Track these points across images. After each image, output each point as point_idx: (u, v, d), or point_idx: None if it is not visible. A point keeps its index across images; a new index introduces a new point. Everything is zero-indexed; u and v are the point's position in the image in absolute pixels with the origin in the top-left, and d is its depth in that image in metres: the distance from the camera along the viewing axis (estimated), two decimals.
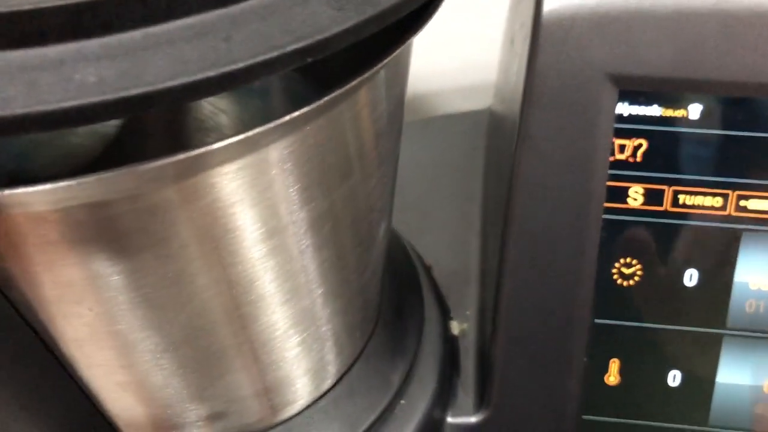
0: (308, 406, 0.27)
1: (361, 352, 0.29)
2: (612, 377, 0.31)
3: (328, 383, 0.27)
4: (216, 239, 0.20)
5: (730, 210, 0.29)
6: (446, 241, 0.40)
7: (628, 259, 0.29)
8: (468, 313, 0.36)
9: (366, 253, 0.25)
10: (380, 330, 0.30)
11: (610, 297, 0.30)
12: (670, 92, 0.28)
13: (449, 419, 0.31)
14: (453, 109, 0.50)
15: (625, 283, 0.30)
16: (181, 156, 0.17)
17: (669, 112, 0.28)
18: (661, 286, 0.30)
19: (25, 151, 0.31)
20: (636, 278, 0.30)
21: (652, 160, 0.29)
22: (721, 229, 0.29)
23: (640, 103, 0.28)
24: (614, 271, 0.30)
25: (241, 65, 0.14)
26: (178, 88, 0.14)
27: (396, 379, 0.29)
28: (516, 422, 0.31)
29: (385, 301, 0.31)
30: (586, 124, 0.28)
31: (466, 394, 0.32)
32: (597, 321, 0.30)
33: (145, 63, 0.14)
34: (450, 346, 0.33)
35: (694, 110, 0.28)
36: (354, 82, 0.18)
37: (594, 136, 0.28)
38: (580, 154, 0.28)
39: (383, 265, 0.28)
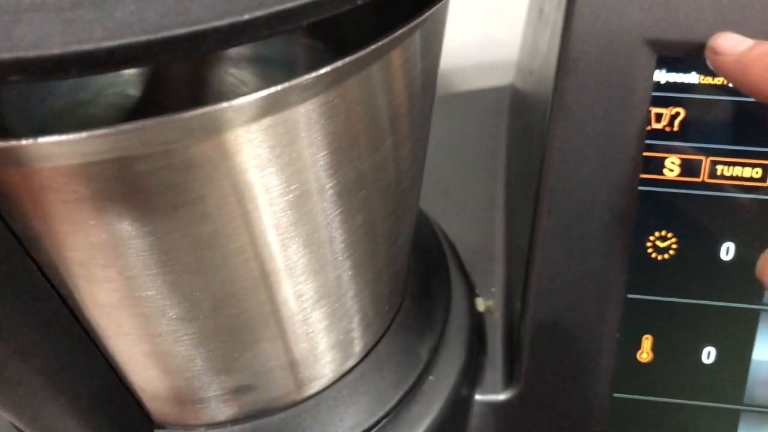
0: (336, 381, 0.26)
1: (389, 326, 0.28)
2: (645, 354, 0.30)
3: (355, 358, 0.27)
4: (245, 202, 0.19)
5: None
6: (469, 219, 0.39)
7: (664, 232, 0.29)
8: (493, 290, 0.35)
9: (396, 222, 0.24)
10: (408, 304, 0.29)
11: (644, 271, 0.29)
12: None
13: (477, 396, 0.31)
14: (474, 86, 0.49)
15: (659, 257, 0.29)
16: (205, 109, 0.16)
17: (708, 80, 0.27)
18: (696, 260, 0.29)
19: (44, 122, 0.31)
20: (671, 252, 0.29)
21: (690, 130, 0.28)
22: (761, 201, 0.28)
23: (678, 70, 0.27)
24: (649, 244, 0.29)
25: (290, 5, 0.13)
26: (225, 29, 0.13)
27: (424, 354, 0.28)
28: (545, 400, 0.30)
29: (413, 276, 0.30)
30: (623, 93, 0.27)
31: (493, 371, 0.32)
32: (630, 296, 0.29)
33: (190, 2, 0.13)
34: (477, 322, 0.33)
35: None
36: (384, 41, 0.17)
37: (630, 104, 0.27)
38: (616, 123, 0.28)
39: (412, 237, 0.27)
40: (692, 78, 0.27)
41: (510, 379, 0.31)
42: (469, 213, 0.39)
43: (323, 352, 0.25)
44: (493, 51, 0.49)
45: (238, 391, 0.24)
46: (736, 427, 0.30)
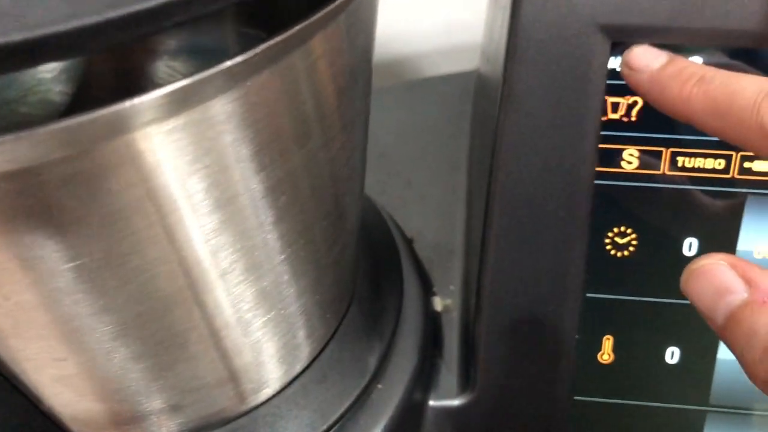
0: (276, 395, 0.25)
1: (334, 333, 0.26)
2: (606, 355, 0.29)
3: (297, 369, 0.25)
4: (163, 208, 0.18)
5: (733, 173, 0.26)
6: (430, 211, 0.37)
7: (623, 228, 0.27)
8: (452, 288, 0.34)
9: (333, 226, 0.23)
10: (355, 309, 0.27)
11: (603, 269, 0.28)
12: (668, 44, 0.25)
13: (431, 402, 0.29)
14: (438, 71, 0.47)
15: (619, 254, 0.27)
16: (108, 110, 0.14)
17: None
18: (658, 256, 0.27)
19: None
20: (631, 248, 0.27)
21: (649, 120, 0.26)
22: (724, 193, 0.26)
23: None
24: (607, 240, 0.27)
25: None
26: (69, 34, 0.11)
27: (372, 361, 0.27)
28: (503, 404, 0.29)
29: (361, 278, 0.28)
30: (576, 81, 0.26)
31: (449, 374, 0.30)
32: (589, 295, 0.28)
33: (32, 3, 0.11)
34: (432, 323, 0.31)
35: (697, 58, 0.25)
36: (300, 26, 0.15)
37: (584, 93, 0.26)
38: (570, 114, 0.26)
39: (356, 239, 0.26)
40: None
41: (466, 382, 0.29)
42: (430, 205, 0.37)
43: (260, 366, 0.24)
44: (458, 35, 0.47)
45: (168, 410, 0.23)
46: (701, 428, 0.29)
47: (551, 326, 0.28)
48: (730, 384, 0.28)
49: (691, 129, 0.26)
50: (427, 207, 0.37)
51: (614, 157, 0.26)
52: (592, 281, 0.28)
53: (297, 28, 0.15)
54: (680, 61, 0.22)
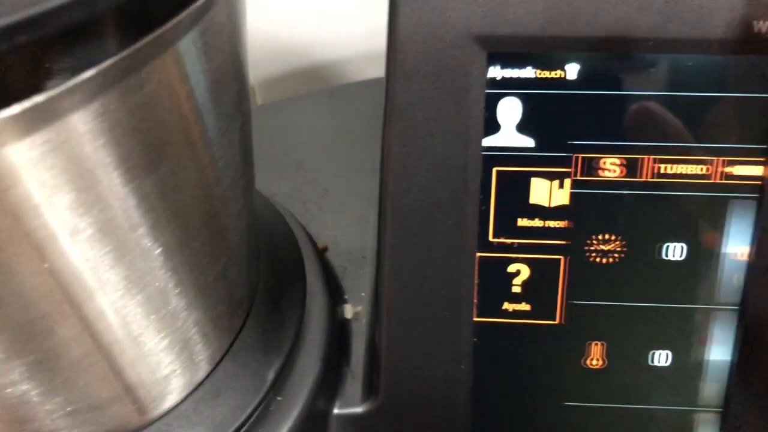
0: (167, 413, 0.25)
1: (229, 349, 0.27)
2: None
3: (189, 386, 0.25)
4: (24, 226, 0.17)
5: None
6: (346, 219, 0.38)
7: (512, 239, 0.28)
8: (363, 294, 0.34)
9: (211, 243, 0.23)
10: (252, 324, 0.28)
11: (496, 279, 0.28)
12: (542, 53, 0.25)
13: (336, 411, 0.30)
14: (363, 76, 0.47)
15: (510, 266, 0.28)
16: None
17: (545, 74, 0.26)
18: (542, 266, 0.28)
19: None
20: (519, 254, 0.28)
21: (532, 129, 0.26)
22: (618, 195, 0.27)
23: (513, 66, 0.26)
24: (496, 246, 0.28)
25: None
26: None
27: (270, 375, 0.27)
28: (407, 410, 0.29)
29: (260, 293, 0.29)
30: (456, 92, 0.26)
31: (355, 382, 0.31)
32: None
33: None
34: (338, 333, 0.32)
35: (572, 70, 0.26)
36: (126, 52, 0.15)
37: (465, 104, 0.26)
38: (452, 124, 0.26)
39: (246, 255, 0.26)
40: (528, 73, 0.26)
41: (370, 389, 0.30)
42: (346, 213, 0.38)
43: (150, 384, 0.24)
44: (381, 40, 0.47)
45: None
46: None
47: (449, 331, 0.29)
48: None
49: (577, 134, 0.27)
50: (343, 214, 0.38)
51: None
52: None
53: (126, 53, 0.16)
54: None
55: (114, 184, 0.18)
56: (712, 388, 0.29)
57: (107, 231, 0.19)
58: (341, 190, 0.39)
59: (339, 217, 0.38)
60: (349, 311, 0.33)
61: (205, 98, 0.20)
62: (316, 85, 0.49)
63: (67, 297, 0.19)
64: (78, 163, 0.17)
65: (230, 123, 0.22)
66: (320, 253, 0.34)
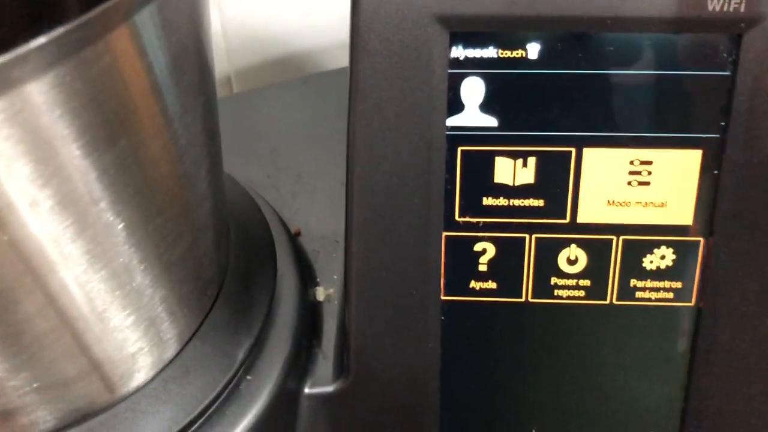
0: (136, 391, 0.25)
1: (198, 329, 0.27)
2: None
3: (158, 365, 0.26)
4: None
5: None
6: (319, 204, 0.38)
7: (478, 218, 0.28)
8: (335, 277, 0.34)
9: (175, 221, 0.23)
10: (221, 304, 0.28)
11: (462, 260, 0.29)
12: (504, 32, 0.26)
13: (306, 390, 0.30)
14: (338, 65, 0.47)
15: (476, 244, 0.28)
16: None
17: (507, 53, 0.26)
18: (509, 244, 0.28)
19: None
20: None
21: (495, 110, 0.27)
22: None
23: (475, 46, 0.26)
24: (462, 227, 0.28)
25: None
26: None
27: (240, 354, 0.27)
28: (376, 390, 0.30)
29: (230, 275, 0.29)
30: (420, 72, 0.26)
31: (326, 362, 0.31)
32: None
33: None
34: (310, 314, 0.32)
35: (533, 50, 0.26)
36: (78, 22, 0.16)
37: (429, 84, 0.26)
38: (417, 104, 0.27)
39: (214, 236, 0.26)
40: (490, 53, 0.26)
41: (340, 369, 0.30)
42: (319, 197, 0.38)
43: (118, 361, 0.24)
44: None
45: (21, 408, 0.23)
46: None
47: (417, 310, 0.29)
48: None
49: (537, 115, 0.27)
50: (316, 200, 0.38)
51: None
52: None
53: (79, 22, 0.16)
54: None
55: (73, 157, 0.18)
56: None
57: (68, 204, 0.19)
58: (315, 176, 0.39)
59: (312, 203, 0.38)
60: (321, 293, 0.34)
61: (164, 74, 0.20)
62: (291, 74, 0.49)
63: (29, 270, 0.19)
64: (35, 134, 0.17)
65: (192, 100, 0.22)
66: (293, 237, 0.35)
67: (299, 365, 0.30)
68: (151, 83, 0.20)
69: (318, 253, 0.35)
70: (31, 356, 0.22)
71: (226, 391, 0.27)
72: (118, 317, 0.23)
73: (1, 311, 0.20)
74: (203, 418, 0.26)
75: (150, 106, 0.20)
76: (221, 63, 0.50)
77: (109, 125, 0.19)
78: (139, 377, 0.25)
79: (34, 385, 0.22)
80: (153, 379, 0.26)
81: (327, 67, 0.49)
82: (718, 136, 0.27)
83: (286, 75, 0.49)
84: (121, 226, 0.21)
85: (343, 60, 0.50)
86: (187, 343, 0.26)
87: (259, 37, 0.49)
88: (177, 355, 0.26)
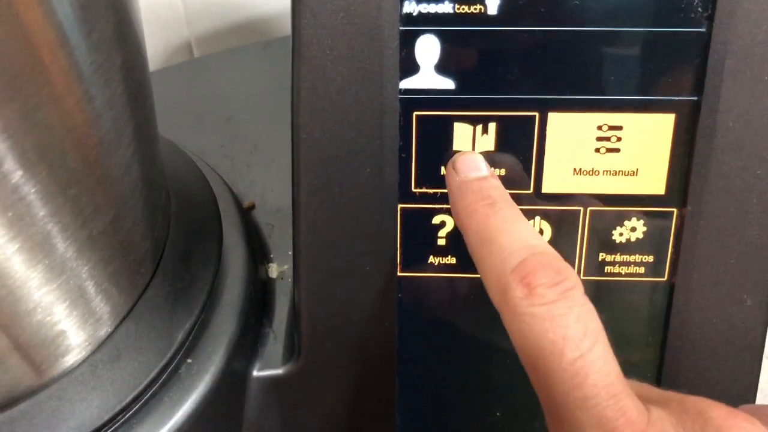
0: (61, 377, 0.23)
1: (131, 310, 0.25)
2: None
3: (86, 349, 0.24)
4: None
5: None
6: (275, 175, 0.36)
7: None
8: (290, 253, 0.32)
9: (93, 193, 0.21)
10: (158, 283, 0.26)
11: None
12: None
13: (255, 373, 0.28)
14: None
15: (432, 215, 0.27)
16: None
17: (464, 9, 0.24)
18: None
19: None
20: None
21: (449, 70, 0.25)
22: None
23: (429, 0, 0.24)
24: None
25: None
26: None
27: (178, 335, 0.25)
28: (329, 372, 0.28)
29: (168, 251, 0.27)
30: (368, 29, 0.24)
31: (277, 343, 0.29)
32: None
33: None
34: (261, 292, 0.30)
35: (492, 4, 0.24)
36: None
37: (379, 43, 0.24)
38: (366, 65, 0.24)
39: (144, 208, 0.24)
40: (445, 7, 0.24)
41: (291, 350, 0.28)
42: (276, 169, 0.36)
43: (39, 345, 0.22)
44: None
45: None
46: None
47: (371, 287, 0.27)
48: None
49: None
50: (272, 171, 0.36)
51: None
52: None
53: None
54: (490, 181, 0.23)
55: None
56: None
57: None
58: (271, 146, 0.37)
59: (268, 174, 0.36)
60: (273, 270, 0.32)
61: (69, 26, 0.18)
62: (253, 40, 0.46)
63: None
64: None
65: (106, 59, 0.20)
66: (245, 210, 0.33)
67: (247, 346, 0.28)
68: (53, 34, 0.17)
69: (272, 228, 0.33)
70: None
71: (164, 376, 0.25)
72: (37, 294, 0.21)
73: None
74: (138, 404, 0.24)
75: (53, 60, 0.18)
76: (181, 28, 0.48)
77: (3, 78, 0.17)
78: (65, 362, 0.23)
79: None
80: (81, 363, 0.24)
81: (289, 32, 0.47)
82: (692, 99, 0.25)
83: (249, 40, 0.46)
84: (31, 191, 0.19)
85: None
86: (119, 324, 0.24)
87: (220, 2, 0.47)
88: (108, 337, 0.24)
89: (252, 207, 0.34)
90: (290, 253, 0.32)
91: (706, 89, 0.25)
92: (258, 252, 0.31)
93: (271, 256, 0.32)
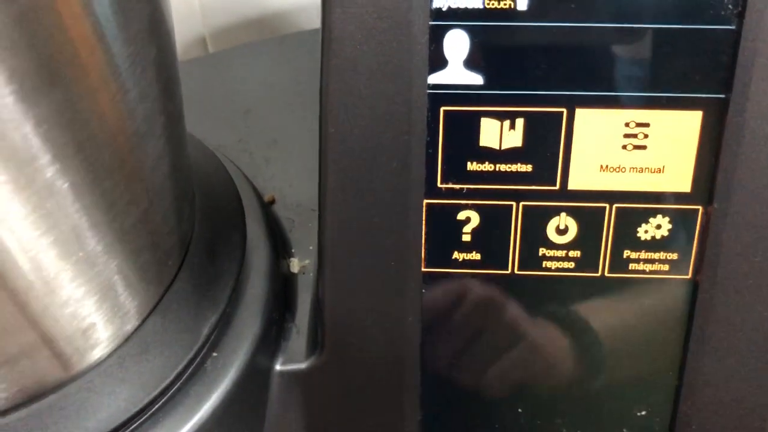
0: (90, 370, 0.23)
1: (158, 303, 0.25)
2: None
3: (114, 342, 0.24)
4: None
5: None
6: (295, 170, 0.36)
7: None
8: (311, 248, 0.32)
9: (126, 185, 0.21)
10: (184, 276, 0.26)
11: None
12: None
13: (278, 367, 0.28)
14: (314, 25, 0.45)
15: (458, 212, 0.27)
16: None
17: (493, 4, 0.24)
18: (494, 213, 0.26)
19: None
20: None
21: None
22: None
23: None
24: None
25: None
26: None
27: (204, 329, 0.25)
28: (353, 366, 0.28)
29: (194, 245, 0.27)
30: (398, 24, 0.24)
31: (299, 338, 0.29)
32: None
33: None
34: (283, 287, 0.30)
35: (522, 0, 0.24)
36: None
37: (408, 37, 0.24)
38: (395, 59, 0.24)
39: (173, 202, 0.24)
40: (476, 2, 0.24)
41: (314, 345, 0.28)
42: (295, 163, 0.36)
43: (69, 337, 0.22)
44: None
45: None
46: None
47: (395, 282, 0.27)
48: None
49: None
50: (292, 166, 0.36)
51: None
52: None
53: None
54: None
55: (3, 105, 0.16)
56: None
57: (3, 157, 0.17)
58: (290, 140, 0.37)
59: (287, 169, 0.36)
60: (295, 265, 0.32)
61: (105, 19, 0.18)
62: (267, 35, 0.46)
63: None
64: None
65: (141, 50, 0.20)
66: (265, 205, 0.33)
67: (270, 341, 0.28)
68: (91, 27, 0.17)
69: (293, 222, 0.33)
70: None
71: (190, 369, 0.25)
72: (68, 287, 0.21)
73: None
74: (165, 397, 0.24)
75: (90, 52, 0.18)
76: (196, 23, 0.48)
77: (43, 71, 0.17)
78: (94, 354, 0.23)
79: None
80: (109, 356, 0.24)
81: (304, 27, 0.47)
82: (720, 96, 0.25)
83: (263, 35, 0.46)
84: (65, 186, 0.19)
85: (319, 21, 0.47)
86: (146, 317, 0.25)
87: None
88: (135, 330, 0.24)
89: (272, 201, 0.34)
90: (311, 248, 0.33)
91: (735, 86, 0.25)
92: (280, 247, 0.31)
93: (293, 250, 0.32)
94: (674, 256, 0.27)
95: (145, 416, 0.24)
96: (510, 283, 0.28)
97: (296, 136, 0.37)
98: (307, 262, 0.32)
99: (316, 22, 0.46)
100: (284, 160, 0.36)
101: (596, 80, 0.25)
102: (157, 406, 0.24)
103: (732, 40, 0.24)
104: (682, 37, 0.24)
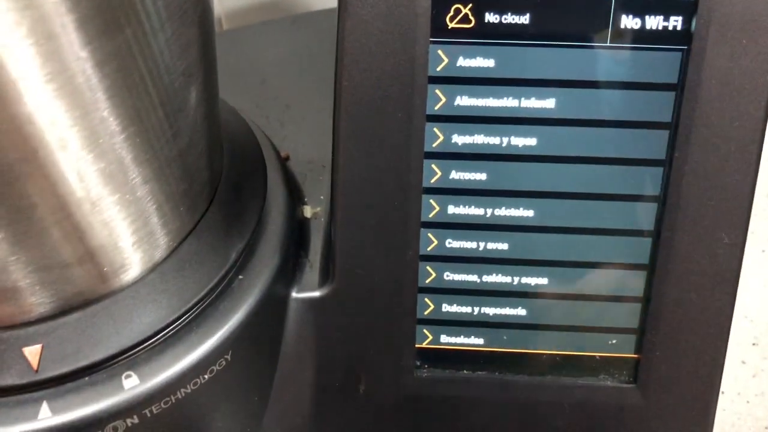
0: (135, 282, 0.27)
1: (193, 229, 0.29)
2: None
3: (155, 258, 0.27)
4: None
5: None
6: (307, 131, 0.40)
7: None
8: (322, 197, 0.36)
9: (172, 117, 0.24)
10: (215, 208, 0.30)
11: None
12: None
13: (294, 294, 0.32)
14: (326, 6, 0.49)
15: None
16: None
17: None
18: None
19: None
20: None
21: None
22: None
23: None
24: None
25: None
26: None
27: (233, 255, 0.29)
28: (358, 296, 0.32)
29: (223, 183, 0.31)
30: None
31: (312, 271, 0.33)
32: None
33: None
34: (299, 227, 0.34)
35: None
36: None
37: (413, 3, 0.28)
38: (402, 21, 0.28)
39: (206, 142, 0.28)
40: None
41: (326, 277, 0.32)
42: (307, 126, 0.40)
43: (116, 249, 0.26)
44: None
45: (26, 289, 0.25)
46: None
47: (399, 221, 0.31)
48: None
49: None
50: (304, 128, 0.40)
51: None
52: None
53: None
54: None
55: (73, 43, 0.20)
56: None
57: (66, 88, 0.20)
58: (303, 105, 0.41)
59: (300, 131, 0.40)
60: (308, 211, 0.35)
61: None
62: (280, 15, 0.50)
63: (30, 149, 0.21)
64: (35, 9, 0.18)
65: (189, 2, 0.23)
66: (282, 158, 0.36)
67: (288, 271, 0.32)
68: None
69: (305, 176, 0.37)
70: (32, 236, 0.23)
71: (220, 287, 0.29)
72: (115, 208, 0.25)
73: (4, 189, 0.22)
74: (198, 309, 0.28)
75: (148, 3, 0.21)
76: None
77: (107, 17, 0.20)
78: (137, 269, 0.27)
79: (37, 265, 0.24)
80: (151, 272, 0.27)
81: (316, 7, 0.51)
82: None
83: (276, 15, 0.50)
84: (118, 118, 0.23)
85: (333, 2, 0.51)
86: (182, 241, 0.28)
87: None
88: (173, 251, 0.28)
89: (287, 158, 0.38)
90: (322, 197, 0.36)
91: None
92: (295, 195, 0.35)
93: (306, 200, 0.36)
94: None
95: (181, 323, 0.27)
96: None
97: (307, 102, 0.41)
98: (318, 209, 0.36)
99: (327, 3, 0.50)
100: (297, 123, 0.40)
101: None
102: (192, 316, 0.28)
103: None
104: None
